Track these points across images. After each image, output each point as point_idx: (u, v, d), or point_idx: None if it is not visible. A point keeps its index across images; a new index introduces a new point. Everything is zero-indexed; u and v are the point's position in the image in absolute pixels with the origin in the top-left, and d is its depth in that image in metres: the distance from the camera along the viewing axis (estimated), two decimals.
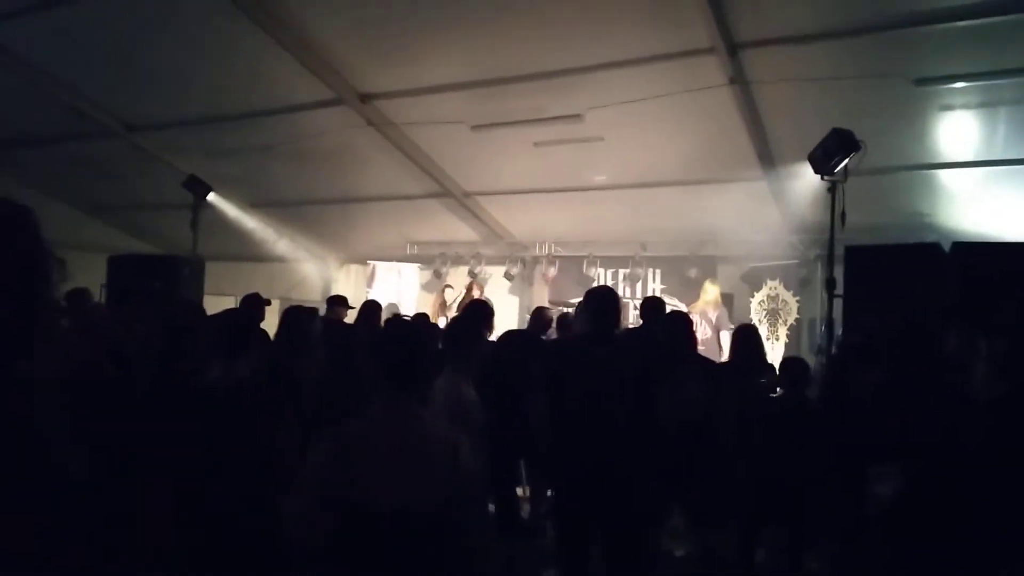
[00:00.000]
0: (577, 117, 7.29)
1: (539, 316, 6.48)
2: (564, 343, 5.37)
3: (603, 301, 3.92)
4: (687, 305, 9.32)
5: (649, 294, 9.93)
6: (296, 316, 3.83)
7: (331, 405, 3.53)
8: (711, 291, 8.97)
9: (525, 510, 5.79)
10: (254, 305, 5.84)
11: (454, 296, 10.62)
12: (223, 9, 6.50)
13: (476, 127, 7.78)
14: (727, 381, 4.77)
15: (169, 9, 6.74)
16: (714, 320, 8.79)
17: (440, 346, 3.81)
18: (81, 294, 6.27)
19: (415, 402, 2.35)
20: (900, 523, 2.96)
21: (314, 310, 5.78)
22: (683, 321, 5.08)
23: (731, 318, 8.84)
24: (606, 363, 3.79)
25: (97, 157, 9.59)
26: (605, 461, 3.67)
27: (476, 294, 10.07)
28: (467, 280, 10.75)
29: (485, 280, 11.01)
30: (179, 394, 2.25)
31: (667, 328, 4.94)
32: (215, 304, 5.98)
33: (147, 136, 9.10)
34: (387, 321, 5.67)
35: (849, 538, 3.58)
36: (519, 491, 5.70)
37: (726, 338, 8.35)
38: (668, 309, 6.42)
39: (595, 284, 10.17)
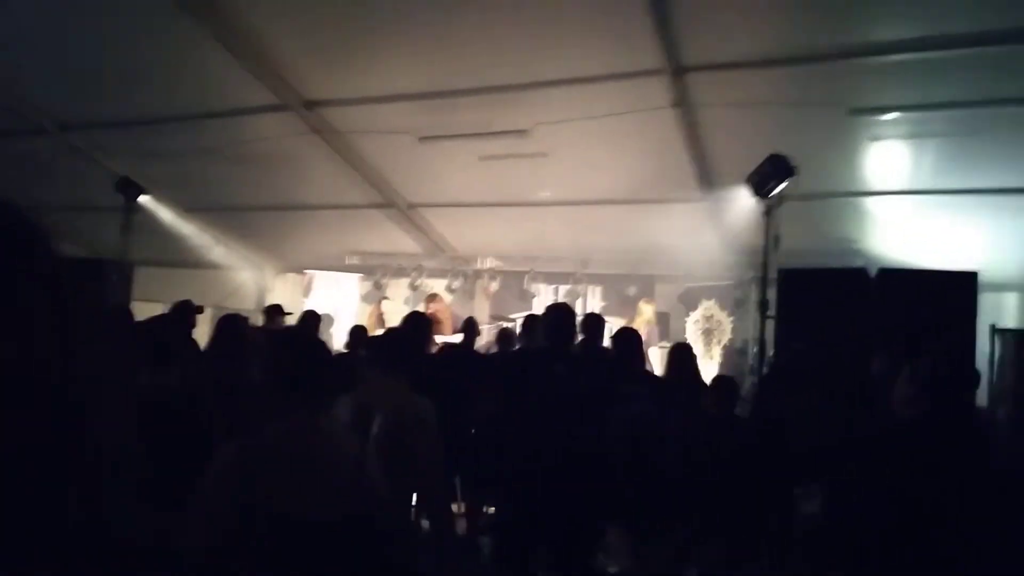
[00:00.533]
0: (523, 132, 7.33)
1: (470, 327, 6.48)
2: (521, 357, 5.35)
3: (561, 318, 3.94)
4: (625, 323, 9.42)
5: (589, 311, 10.02)
6: (232, 324, 3.72)
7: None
8: (646, 311, 9.19)
9: (461, 525, 5.74)
10: (185, 312, 5.66)
11: (399, 307, 10.45)
12: (166, 8, 6.32)
13: (423, 138, 7.74)
14: (670, 399, 4.84)
15: (110, 5, 6.52)
16: (645, 338, 8.98)
17: (371, 354, 3.76)
18: None
19: (316, 413, 2.33)
20: (825, 540, 3.03)
21: (246, 318, 5.66)
22: (635, 338, 5.14)
23: (667, 337, 9.01)
24: (564, 379, 3.80)
25: (27, 155, 9.19)
26: (555, 477, 3.66)
27: (439, 308, 9.85)
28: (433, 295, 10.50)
29: (426, 292, 10.92)
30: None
31: (620, 344, 4.98)
32: (145, 311, 5.79)
33: (80, 135, 8.77)
34: (280, 334, 5.55)
35: (778, 555, 3.66)
36: (454, 507, 5.64)
37: (654, 355, 8.54)
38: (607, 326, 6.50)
39: (536, 300, 10.24)
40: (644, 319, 9.09)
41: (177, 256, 10.50)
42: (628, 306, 10.03)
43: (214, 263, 11.11)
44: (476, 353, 6.08)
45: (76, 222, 11.07)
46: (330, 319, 10.43)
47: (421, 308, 9.58)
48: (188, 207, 10.11)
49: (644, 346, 5.40)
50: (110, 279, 7.91)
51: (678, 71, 6.14)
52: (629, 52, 6.11)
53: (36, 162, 9.18)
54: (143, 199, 8.54)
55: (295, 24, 6.59)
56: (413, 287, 10.80)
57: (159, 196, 9.29)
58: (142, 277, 10.36)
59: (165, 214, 9.68)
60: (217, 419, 2.75)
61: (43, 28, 6.88)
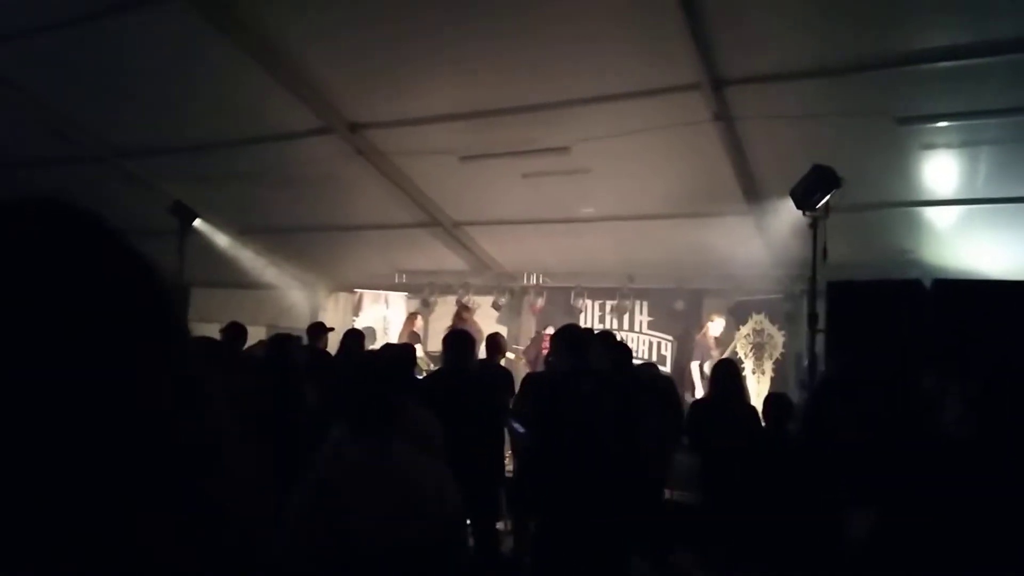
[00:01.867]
0: (565, 150, 7.35)
1: (493, 343, 6.50)
2: (552, 378, 5.35)
3: (575, 338, 3.92)
4: (673, 336, 9.41)
5: (637, 327, 9.96)
6: (284, 344, 3.79)
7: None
8: (714, 326, 9.20)
9: (507, 544, 5.73)
10: (234, 334, 5.81)
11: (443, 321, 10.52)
12: (215, 37, 6.55)
13: (465, 158, 7.82)
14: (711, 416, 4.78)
15: (160, 36, 6.78)
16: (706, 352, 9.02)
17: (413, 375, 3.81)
18: None
19: (396, 437, 2.30)
20: (873, 565, 2.93)
21: (296, 338, 5.78)
22: (734, 372, 5.22)
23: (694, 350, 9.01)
24: (593, 397, 3.78)
25: (84, 182, 9.58)
26: (593, 494, 3.64)
27: (467, 319, 9.95)
28: (457, 308, 10.59)
29: (474, 309, 10.98)
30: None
31: (719, 380, 5.05)
32: (200, 331, 5.96)
33: (136, 162, 9.12)
34: (355, 357, 5.63)
35: None
36: (500, 525, 5.64)
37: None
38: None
39: (582, 316, 10.20)
40: (712, 336, 9.03)
41: (231, 277, 10.78)
42: (676, 321, 9.93)
43: (267, 283, 11.38)
44: (501, 369, 6.10)
45: (135, 246, 11.47)
46: (372, 332, 10.59)
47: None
48: (240, 229, 10.40)
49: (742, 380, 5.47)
50: None
51: (717, 85, 6.08)
52: (667, 67, 6.08)
53: (94, 189, 9.57)
54: (197, 222, 8.81)
55: (339, 50, 6.76)
56: (460, 304, 10.85)
57: (212, 219, 9.57)
58: (199, 298, 10.67)
59: (218, 236, 9.96)
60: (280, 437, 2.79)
61: (98, 59, 7.19)
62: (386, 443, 2.26)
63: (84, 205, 0.73)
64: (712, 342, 9.30)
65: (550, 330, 9.64)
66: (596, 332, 6.14)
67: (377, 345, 9.98)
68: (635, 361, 7.31)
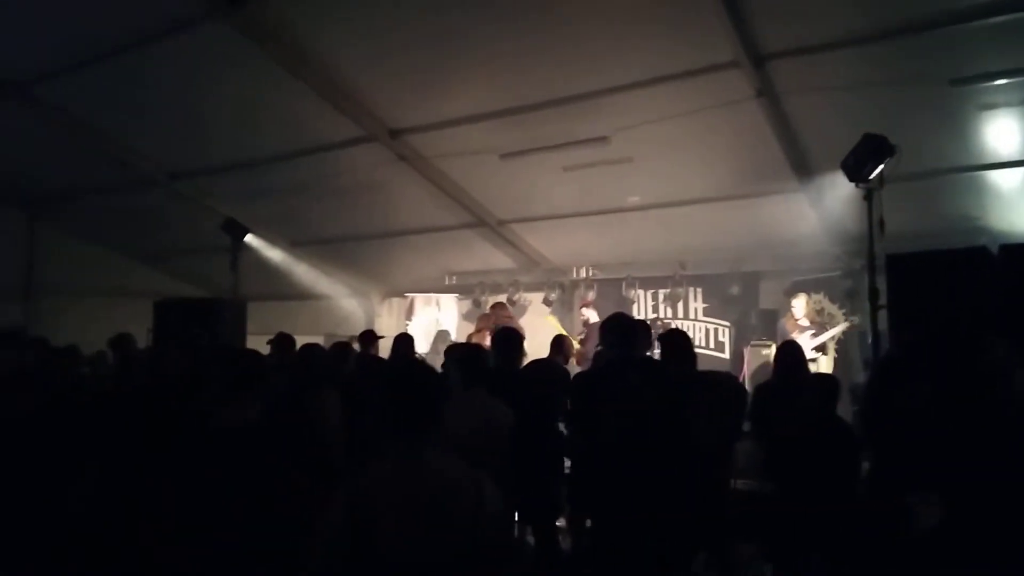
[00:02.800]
0: (605, 139, 7.26)
1: (558, 344, 6.43)
2: (595, 370, 5.28)
3: (622, 327, 3.83)
4: (730, 322, 9.15)
5: (691, 314, 9.78)
6: (311, 354, 3.81)
7: (362, 447, 3.47)
8: (798, 306, 8.40)
9: (566, 541, 5.67)
10: (283, 345, 5.89)
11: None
12: (254, 57, 6.68)
13: (505, 155, 7.80)
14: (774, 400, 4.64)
15: (203, 60, 6.96)
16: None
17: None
18: (124, 340, 6.46)
19: (431, 446, 2.26)
20: (944, 556, 2.78)
21: (346, 345, 5.83)
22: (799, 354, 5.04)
23: (775, 336, 8.59)
24: (639, 388, 3.70)
25: (141, 206, 9.91)
26: (642, 488, 3.57)
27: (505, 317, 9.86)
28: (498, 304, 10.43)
29: (526, 306, 10.96)
30: (188, 436, 2.26)
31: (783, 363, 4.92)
32: (259, 344, 6.07)
33: (188, 183, 9.37)
34: (395, 364, 5.61)
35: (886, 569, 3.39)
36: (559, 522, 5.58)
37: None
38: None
39: (635, 306, 10.05)
40: (795, 320, 8.25)
41: (286, 289, 10.99)
42: (731, 305, 9.70)
43: (321, 294, 11.56)
44: (562, 368, 6.03)
45: (192, 265, 11.83)
46: (445, 335, 10.64)
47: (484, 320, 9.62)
48: (291, 242, 10.59)
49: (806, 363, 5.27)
50: (225, 317, 8.32)
51: (758, 61, 5.92)
52: (704, 47, 5.94)
53: (151, 211, 9.90)
54: (248, 238, 8.99)
55: (375, 59, 6.82)
56: (511, 302, 10.82)
57: (264, 233, 9.76)
58: (255, 312, 10.90)
59: (270, 250, 10.16)
60: (306, 451, 2.82)
61: (146, 86, 7.43)
62: (419, 452, 2.21)
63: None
64: (794, 326, 8.56)
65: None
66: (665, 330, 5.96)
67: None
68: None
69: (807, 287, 9.23)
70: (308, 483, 2.37)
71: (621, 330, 3.79)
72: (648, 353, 4.03)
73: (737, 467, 5.01)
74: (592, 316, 9.34)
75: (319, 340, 9.15)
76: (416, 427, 2.23)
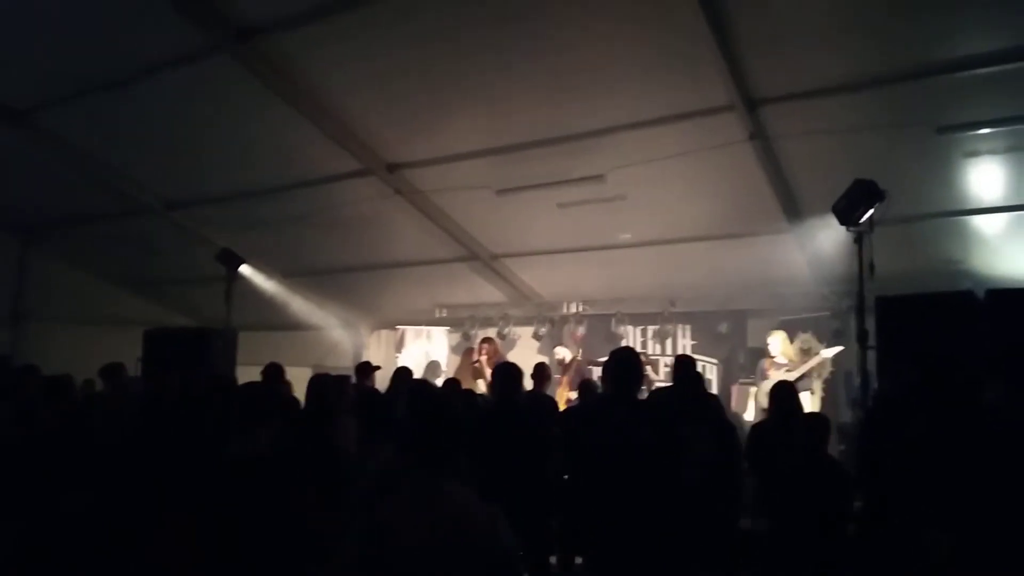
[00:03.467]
0: (600, 178, 7.39)
1: (540, 372, 6.47)
2: (585, 406, 5.32)
3: (621, 363, 3.87)
4: (718, 359, 9.21)
5: (680, 351, 9.84)
6: (323, 384, 3.84)
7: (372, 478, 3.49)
8: (775, 343, 8.40)
9: None
10: (273, 375, 5.90)
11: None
12: (255, 90, 6.77)
13: (501, 191, 7.91)
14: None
15: (203, 92, 7.04)
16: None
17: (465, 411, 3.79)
18: (115, 369, 6.42)
19: (445, 477, 2.27)
20: None
21: (344, 377, 5.83)
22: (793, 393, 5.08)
23: (757, 373, 8.68)
24: (624, 426, 3.73)
25: (136, 234, 9.90)
26: (633, 526, 3.59)
27: (492, 351, 9.88)
28: (487, 339, 10.43)
29: (515, 340, 11.00)
30: (197, 466, 2.27)
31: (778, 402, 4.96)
32: (248, 374, 6.06)
33: (185, 213, 9.39)
34: (409, 393, 5.62)
35: None
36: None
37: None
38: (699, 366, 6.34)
39: (624, 342, 10.11)
40: (771, 358, 7.98)
41: (277, 320, 10.96)
42: (720, 343, 9.79)
43: (312, 324, 11.54)
44: (547, 398, 6.08)
45: (185, 294, 11.80)
46: (436, 366, 10.61)
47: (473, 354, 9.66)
48: (284, 272, 10.60)
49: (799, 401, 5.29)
50: (216, 346, 8.28)
51: (752, 105, 6.08)
52: (700, 90, 6.10)
53: (146, 240, 9.89)
54: (243, 268, 9.00)
55: (374, 94, 6.93)
56: (501, 336, 10.86)
57: (258, 264, 9.78)
58: (246, 341, 10.85)
59: (264, 281, 10.16)
60: (319, 481, 2.83)
61: (146, 116, 7.49)
62: (438, 483, 2.23)
63: None
64: (771, 364, 8.48)
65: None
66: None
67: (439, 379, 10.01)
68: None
69: (795, 326, 9.34)
70: (325, 513, 2.38)
71: (616, 368, 3.83)
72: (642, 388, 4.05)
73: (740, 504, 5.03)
74: (566, 355, 9.44)
75: (306, 371, 9.14)
76: (437, 458, 2.25)
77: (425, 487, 2.21)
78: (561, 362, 9.37)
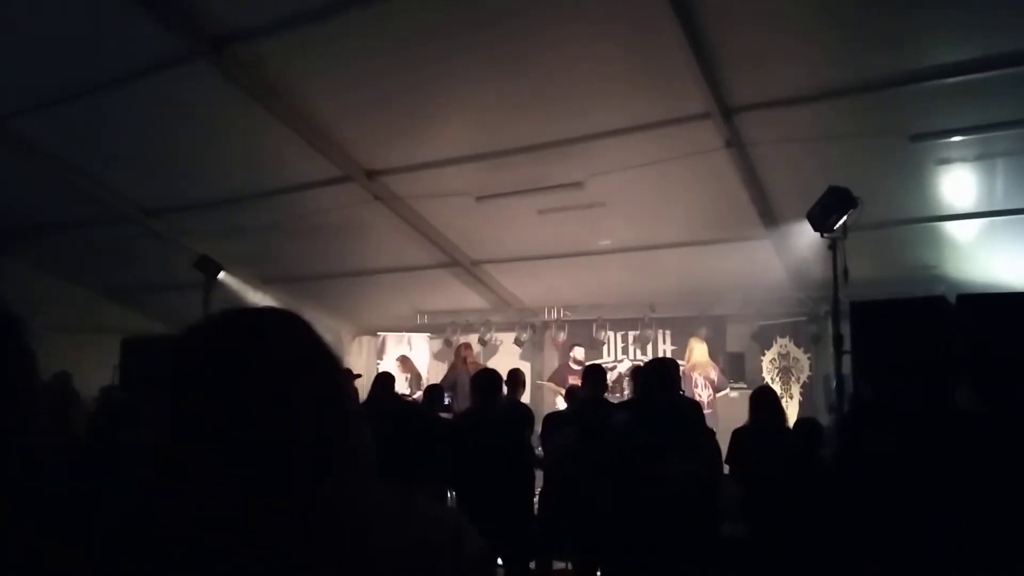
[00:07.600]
0: (579, 184, 7.43)
1: (514, 378, 6.52)
2: (578, 411, 5.33)
3: (594, 372, 3.92)
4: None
5: (660, 355, 9.91)
6: None
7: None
8: (697, 349, 9.12)
9: None
10: None
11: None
12: (232, 96, 6.72)
13: (481, 198, 7.93)
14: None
15: (180, 98, 6.97)
16: (716, 381, 8.92)
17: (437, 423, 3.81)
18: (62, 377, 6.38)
19: (413, 485, 2.29)
20: None
21: None
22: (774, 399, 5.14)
23: (744, 378, 8.79)
24: (623, 432, 3.77)
25: (113, 242, 9.79)
26: (628, 532, 3.62)
27: (470, 358, 10.02)
28: (464, 346, 10.54)
29: (497, 345, 11.03)
30: None
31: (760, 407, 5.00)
32: None
33: (162, 220, 9.31)
34: (377, 404, 5.64)
35: None
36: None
37: (726, 402, 8.36)
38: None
39: (605, 348, 10.19)
40: (692, 361, 8.99)
41: None
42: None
43: None
44: (522, 406, 6.13)
45: (163, 301, 11.67)
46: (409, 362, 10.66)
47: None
48: (264, 279, 10.53)
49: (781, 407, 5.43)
50: None
51: (727, 113, 6.15)
52: (677, 99, 6.16)
53: (123, 247, 9.79)
54: (222, 275, 8.94)
55: (354, 101, 6.91)
56: (482, 342, 10.88)
57: (237, 271, 9.71)
58: None
59: (242, 288, 10.10)
60: None
61: (123, 122, 7.41)
62: (405, 493, 2.24)
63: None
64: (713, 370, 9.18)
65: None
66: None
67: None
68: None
69: (773, 331, 9.47)
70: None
71: (594, 374, 3.87)
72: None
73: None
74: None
75: None
76: (404, 467, 2.26)
77: (391, 496, 2.22)
78: (579, 362, 9.61)
